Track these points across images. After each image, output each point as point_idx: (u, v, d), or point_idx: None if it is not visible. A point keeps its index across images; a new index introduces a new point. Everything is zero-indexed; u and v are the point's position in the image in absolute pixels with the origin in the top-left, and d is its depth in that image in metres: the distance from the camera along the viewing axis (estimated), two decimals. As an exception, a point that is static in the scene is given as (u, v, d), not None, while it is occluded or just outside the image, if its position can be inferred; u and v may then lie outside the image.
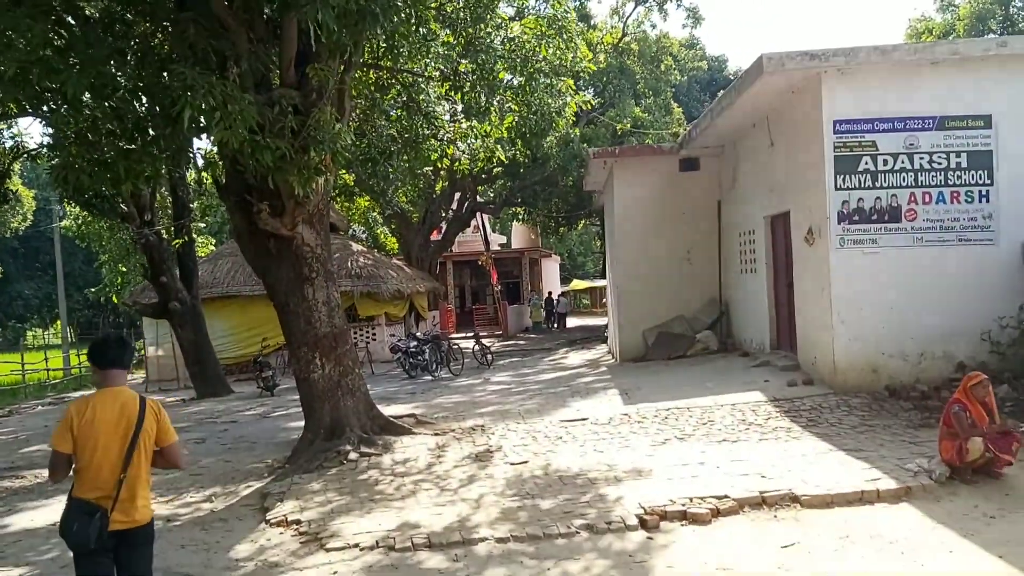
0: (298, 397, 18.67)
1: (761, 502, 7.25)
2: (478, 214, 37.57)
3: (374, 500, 8.11)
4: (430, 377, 20.05)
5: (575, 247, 69.14)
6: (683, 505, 7.18)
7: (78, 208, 23.97)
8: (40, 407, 22.48)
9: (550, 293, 44.28)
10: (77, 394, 26.43)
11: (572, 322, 45.63)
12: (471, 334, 31.23)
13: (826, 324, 11.42)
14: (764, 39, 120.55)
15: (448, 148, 13.47)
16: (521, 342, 33.12)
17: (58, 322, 47.47)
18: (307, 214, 10.36)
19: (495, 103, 12.50)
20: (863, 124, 11.34)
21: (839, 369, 11.23)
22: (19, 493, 10.30)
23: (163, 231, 20.80)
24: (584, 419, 11.12)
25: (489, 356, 22.27)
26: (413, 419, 11.81)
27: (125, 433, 4.57)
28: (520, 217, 39.52)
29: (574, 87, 13.98)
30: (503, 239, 52.67)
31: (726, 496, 7.32)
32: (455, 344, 21.67)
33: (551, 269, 53.31)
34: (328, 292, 10.69)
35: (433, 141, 13.46)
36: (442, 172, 34.42)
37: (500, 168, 34.35)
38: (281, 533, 7.49)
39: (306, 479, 9.17)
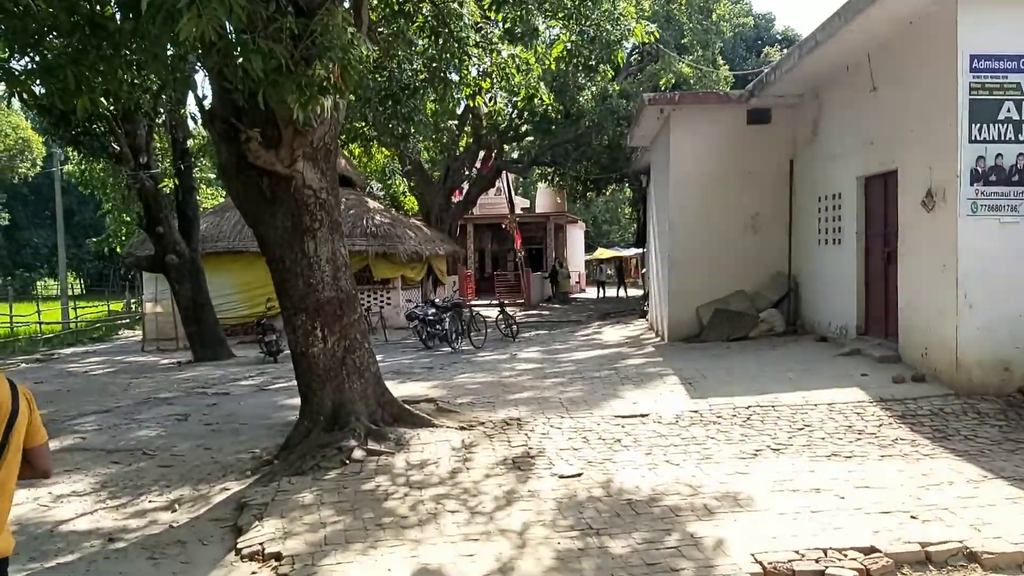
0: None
1: (925, 559, 5.16)
2: (503, 174, 35.31)
3: (382, 525, 6.04)
4: (449, 349, 18.01)
5: (600, 214, 66.74)
6: (817, 561, 5.09)
7: (71, 148, 21.89)
8: (24, 364, 20.59)
9: (556, 261, 41.74)
10: (70, 351, 24.58)
11: (591, 293, 43.44)
12: (492, 302, 29.24)
13: (946, 309, 9.23)
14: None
15: (484, 83, 11.25)
16: (544, 312, 31.05)
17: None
18: (309, 148, 8.22)
19: (543, 24, 10.21)
20: (1008, 61, 9.08)
21: (962, 364, 9.06)
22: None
23: (161, 174, 18.76)
24: (644, 415, 9.01)
25: (514, 327, 20.20)
26: (432, 405, 9.73)
27: None
28: (549, 178, 37.19)
29: (634, 13, 11.72)
30: (526, 203, 50.38)
31: (874, 549, 5.22)
32: (478, 313, 19.56)
33: (576, 237, 51.07)
34: (333, 247, 8.59)
35: (465, 73, 11.30)
36: (467, 128, 32.24)
37: (529, 124, 32.14)
38: (253, 573, 5.44)
39: (296, 484, 7.12)
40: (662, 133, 16.28)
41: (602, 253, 60.41)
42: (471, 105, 12.34)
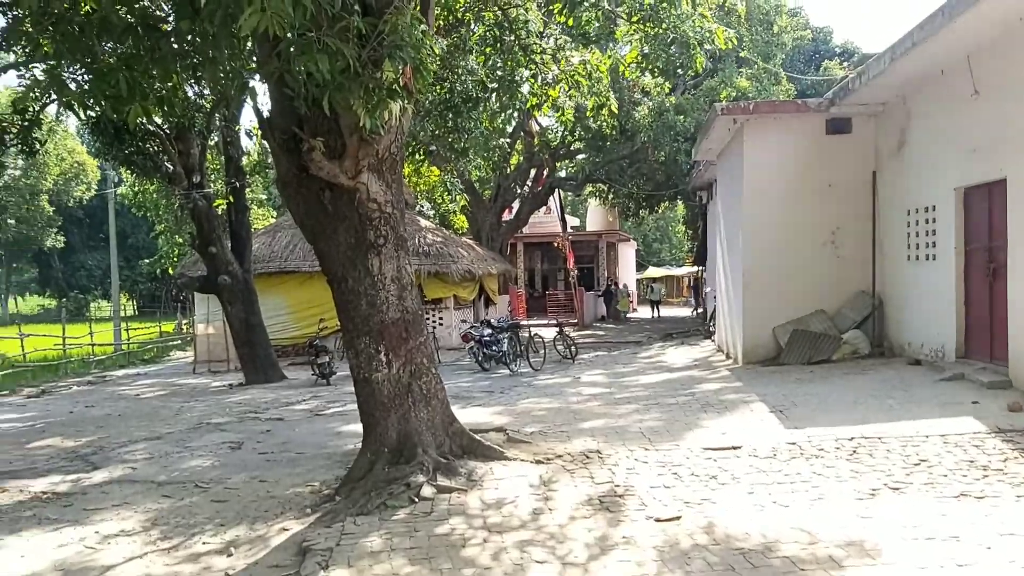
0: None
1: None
2: (556, 192, 34.68)
3: (462, 577, 5.35)
4: (507, 371, 17.33)
5: (651, 232, 65.79)
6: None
7: (125, 168, 21.70)
8: (76, 387, 20.35)
9: (608, 280, 41.07)
10: (122, 372, 24.39)
11: (643, 312, 42.47)
12: (546, 322, 28.52)
13: (1070, 330, 8.32)
14: (870, 15, 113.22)
15: (552, 91, 10.60)
16: (600, 332, 30.27)
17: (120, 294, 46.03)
18: (375, 158, 7.62)
19: (620, 24, 9.53)
20: None
21: (1091, 392, 8.14)
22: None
23: (214, 194, 18.44)
24: (736, 448, 8.22)
25: (573, 349, 19.49)
26: (502, 435, 9.04)
27: None
28: (602, 195, 36.46)
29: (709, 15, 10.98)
30: (575, 221, 49.71)
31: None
32: (536, 334, 18.86)
33: (627, 255, 50.19)
34: (399, 265, 7.96)
35: (531, 81, 10.68)
36: (518, 146, 31.70)
37: (581, 142, 31.49)
38: (321, 635, 4.78)
39: (363, 526, 6.46)
40: (733, 145, 15.49)
41: (652, 272, 59.57)
42: (535, 115, 11.58)
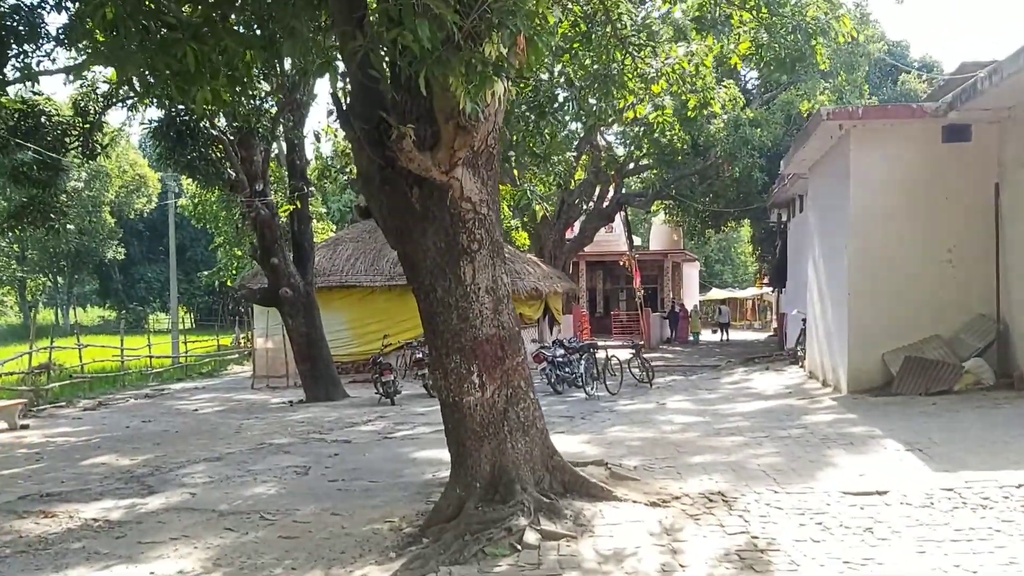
0: (425, 410, 15.35)
1: None
2: (624, 208, 33.59)
3: (595, 657, 4.29)
4: (583, 395, 16.25)
5: (713, 253, 64.22)
6: None
7: (186, 175, 21.22)
8: (133, 400, 19.77)
9: (673, 301, 39.84)
10: (179, 386, 23.83)
11: (706, 336, 40.94)
12: (610, 343, 27.39)
13: None
14: (946, 28, 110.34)
15: (655, 86, 9.58)
16: (668, 355, 29.01)
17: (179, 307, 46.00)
18: (471, 150, 6.66)
19: (737, 10, 8.47)
20: None
21: None
22: (27, 550, 6.92)
23: (275, 203, 17.77)
24: (882, 493, 7.04)
25: (651, 372, 18.35)
26: (604, 470, 7.96)
27: None
28: (671, 211, 35.27)
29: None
30: (637, 240, 48.50)
31: None
32: (613, 355, 17.76)
33: (691, 275, 48.82)
34: (495, 274, 6.99)
35: (629, 77, 9.67)
36: (583, 160, 30.67)
37: (649, 158, 30.36)
38: None
39: (458, 577, 5.46)
40: (834, 155, 14.27)
41: (715, 294, 58.01)
42: (628, 117, 10.53)
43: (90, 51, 7.30)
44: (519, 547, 5.90)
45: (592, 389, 16.42)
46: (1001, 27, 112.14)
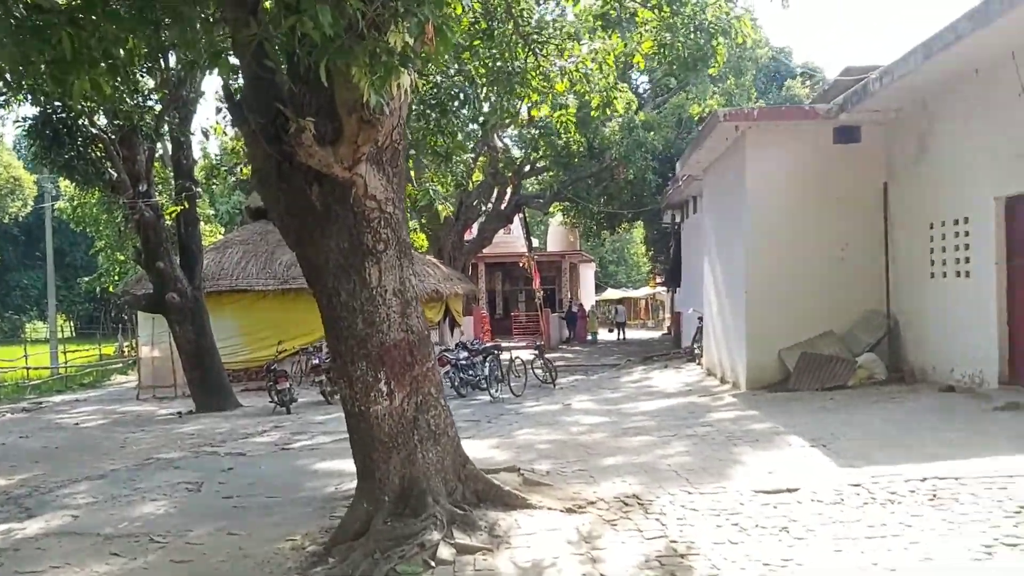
0: (324, 419, 14.85)
1: None
2: (522, 210, 33.59)
3: None
4: (488, 398, 16.04)
5: (607, 254, 65.08)
6: None
7: (64, 176, 20.01)
8: (9, 415, 18.50)
9: (571, 302, 40.21)
10: (59, 399, 22.50)
11: (603, 335, 41.35)
12: (511, 344, 27.31)
13: None
14: (823, 36, 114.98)
15: (559, 84, 9.44)
16: (568, 355, 29.13)
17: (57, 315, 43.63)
18: (376, 145, 6.34)
19: (640, 6, 8.39)
20: None
21: None
22: None
23: (161, 203, 16.91)
24: (792, 490, 7.04)
25: (553, 373, 18.31)
26: (517, 476, 7.74)
27: None
28: (569, 213, 35.49)
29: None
30: (536, 241, 48.66)
31: None
32: (517, 357, 17.62)
33: (588, 276, 49.31)
34: (402, 275, 6.68)
35: (534, 75, 9.50)
36: (480, 161, 30.51)
37: (546, 159, 30.42)
38: None
39: (370, 600, 5.13)
40: (730, 156, 14.48)
41: (610, 294, 58.81)
42: (534, 115, 10.37)
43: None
44: (433, 563, 5.61)
45: (496, 392, 16.24)
46: (881, 32, 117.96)
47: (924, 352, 12.07)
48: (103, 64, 5.61)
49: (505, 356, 17.47)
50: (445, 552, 5.74)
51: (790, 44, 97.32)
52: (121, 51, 5.53)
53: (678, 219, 27.00)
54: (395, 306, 6.57)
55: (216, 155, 19.19)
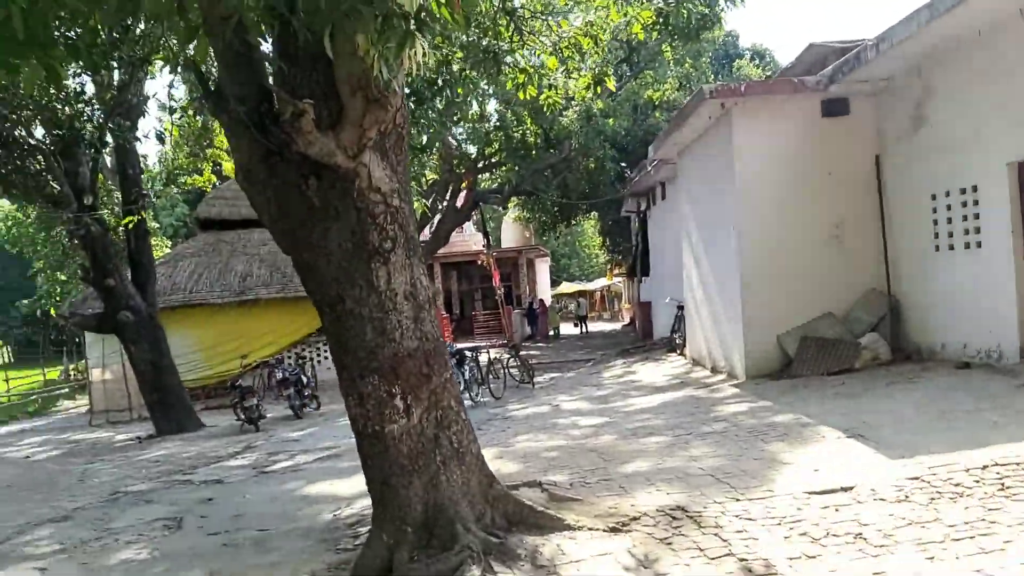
0: (298, 435, 13.95)
1: None
2: (480, 207, 32.83)
3: None
4: (469, 402, 15.27)
5: (559, 248, 64.59)
6: None
7: (1, 196, 18.76)
8: (-54, 452, 17.20)
9: (531, 298, 39.64)
10: (4, 430, 21.18)
11: (565, 329, 40.81)
12: (473, 344, 26.56)
13: None
14: (771, 20, 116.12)
15: (550, 61, 8.74)
16: (533, 352, 28.41)
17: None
18: (380, 131, 5.56)
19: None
20: None
21: None
22: None
23: (109, 217, 15.83)
24: (848, 488, 6.44)
25: (531, 372, 17.66)
26: (541, 491, 7.04)
27: None
28: (528, 207, 34.83)
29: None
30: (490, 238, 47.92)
31: None
32: (496, 358, 16.91)
33: (544, 271, 48.77)
34: (413, 276, 5.91)
35: (522, 54, 8.79)
36: (434, 157, 29.66)
37: (501, 153, 29.67)
38: None
39: (416, 657, 4.36)
40: (714, 135, 13.91)
41: (565, 288, 58.40)
42: (521, 97, 9.69)
43: None
44: (478, 605, 4.87)
45: (477, 395, 15.51)
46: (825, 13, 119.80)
47: (930, 330, 11.63)
48: (61, 46, 4.74)
49: (483, 358, 16.75)
50: (489, 589, 5.00)
51: (736, 28, 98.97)
52: (84, 28, 4.65)
53: (643, 207, 26.48)
54: (407, 311, 5.81)
55: (171, 159, 18.05)
